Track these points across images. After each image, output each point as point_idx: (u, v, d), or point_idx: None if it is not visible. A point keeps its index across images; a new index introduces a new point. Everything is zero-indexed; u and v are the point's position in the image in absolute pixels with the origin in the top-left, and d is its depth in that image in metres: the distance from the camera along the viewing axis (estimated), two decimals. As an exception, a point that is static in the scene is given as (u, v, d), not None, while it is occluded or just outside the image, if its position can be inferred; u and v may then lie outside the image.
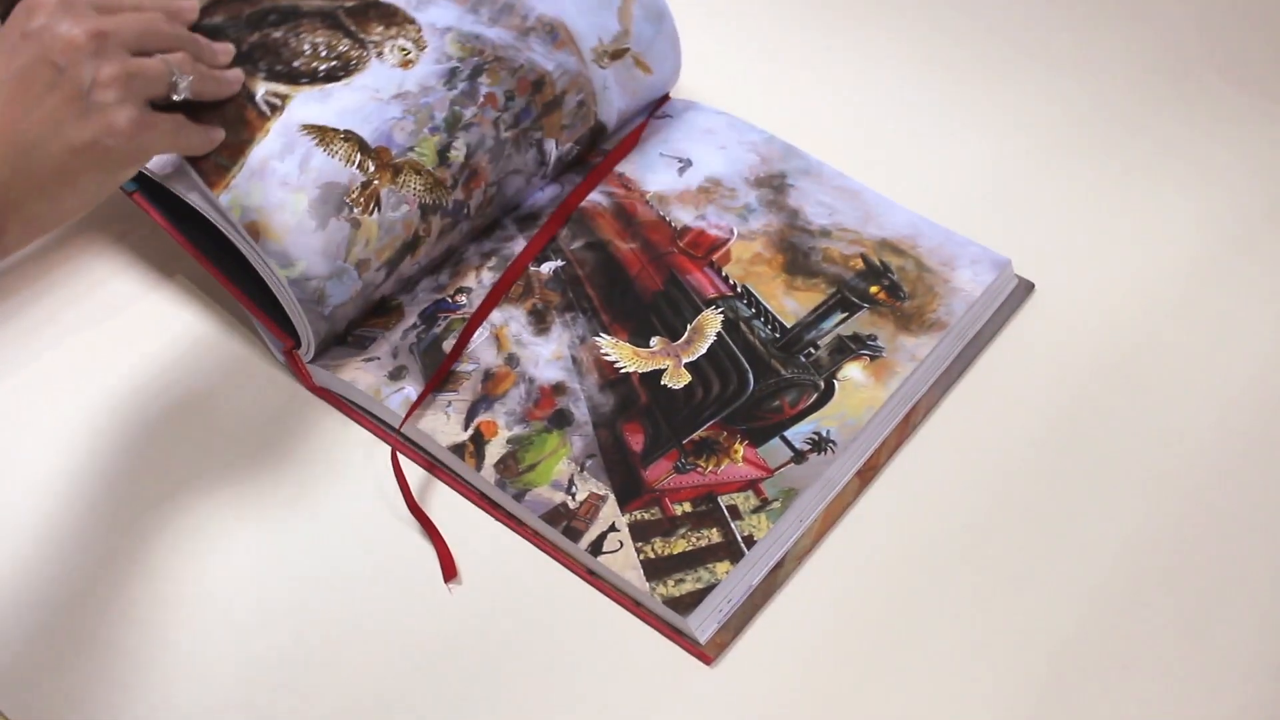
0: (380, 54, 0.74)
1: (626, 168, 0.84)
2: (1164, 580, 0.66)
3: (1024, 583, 0.66)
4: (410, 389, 0.72)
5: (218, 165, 0.69)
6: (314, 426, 0.72)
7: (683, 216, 0.81)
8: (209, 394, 0.73)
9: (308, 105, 0.72)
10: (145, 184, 0.72)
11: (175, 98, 0.65)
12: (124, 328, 0.75)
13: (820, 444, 0.70)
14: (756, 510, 0.67)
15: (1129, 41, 0.95)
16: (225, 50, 0.70)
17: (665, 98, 0.88)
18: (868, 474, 0.70)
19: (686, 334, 0.75)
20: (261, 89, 0.71)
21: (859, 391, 0.72)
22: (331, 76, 0.73)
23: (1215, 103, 0.90)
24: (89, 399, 0.72)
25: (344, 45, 0.74)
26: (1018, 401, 0.74)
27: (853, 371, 0.73)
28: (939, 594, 0.65)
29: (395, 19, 0.76)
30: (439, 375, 0.72)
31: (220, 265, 0.72)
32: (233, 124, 0.69)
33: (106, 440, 0.70)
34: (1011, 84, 0.92)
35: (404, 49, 0.74)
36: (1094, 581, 0.66)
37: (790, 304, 0.77)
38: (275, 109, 0.71)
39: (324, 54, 0.73)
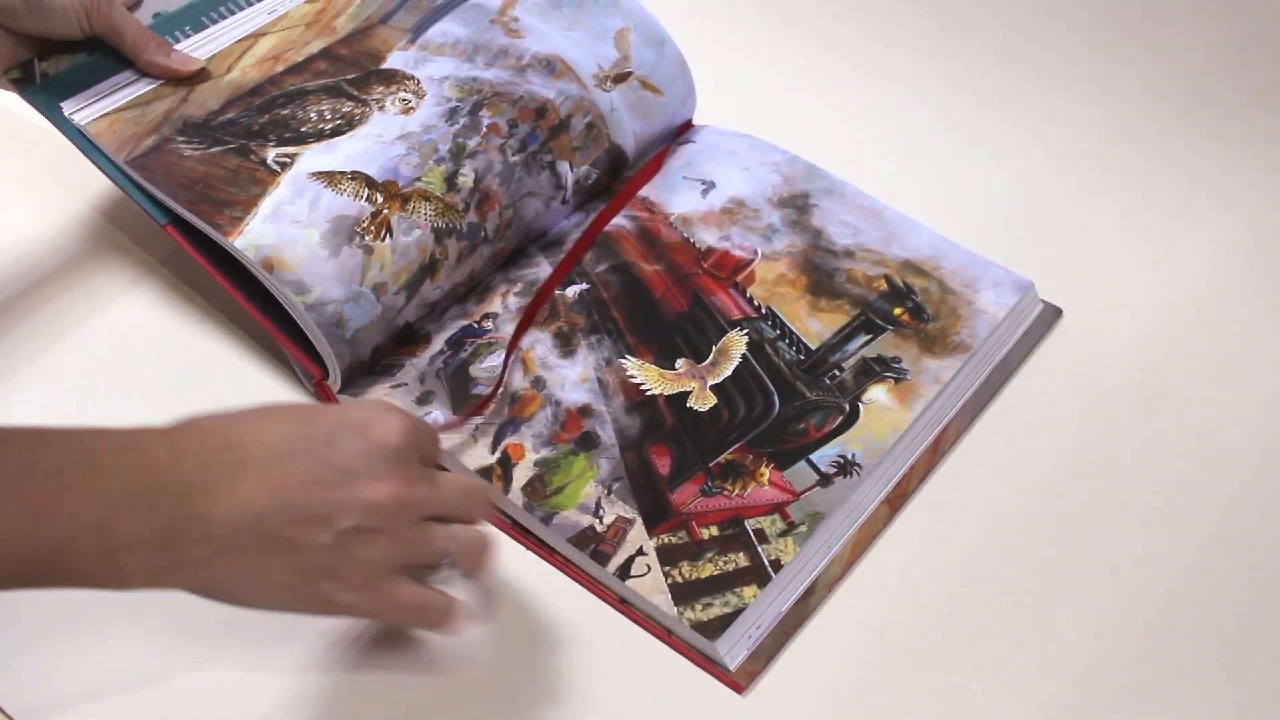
0: (382, 107, 0.78)
1: (650, 191, 0.84)
2: (1198, 605, 0.66)
3: (1057, 610, 0.66)
4: (437, 413, 0.72)
5: (232, 218, 0.72)
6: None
7: (706, 238, 0.81)
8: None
9: (315, 157, 0.75)
10: (178, 217, 0.73)
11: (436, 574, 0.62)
12: (155, 361, 0.76)
13: (845, 467, 0.70)
14: (783, 534, 0.68)
15: (1152, 66, 0.95)
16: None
17: (688, 125, 0.88)
18: (897, 501, 0.70)
19: (712, 356, 0.76)
20: (272, 153, 0.74)
21: (884, 414, 0.73)
22: (337, 133, 0.76)
23: (1239, 127, 0.91)
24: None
25: (347, 106, 0.77)
26: (1047, 427, 0.74)
27: (877, 394, 0.74)
28: (971, 622, 0.66)
29: (395, 78, 0.79)
30: (477, 410, 0.72)
31: (252, 299, 0.73)
32: (245, 183, 0.73)
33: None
34: (1035, 109, 0.92)
35: (404, 99, 0.78)
36: (1127, 608, 0.66)
37: (814, 325, 0.77)
38: (285, 166, 0.74)
39: (329, 117, 0.77)
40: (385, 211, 0.73)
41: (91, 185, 0.82)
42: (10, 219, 0.83)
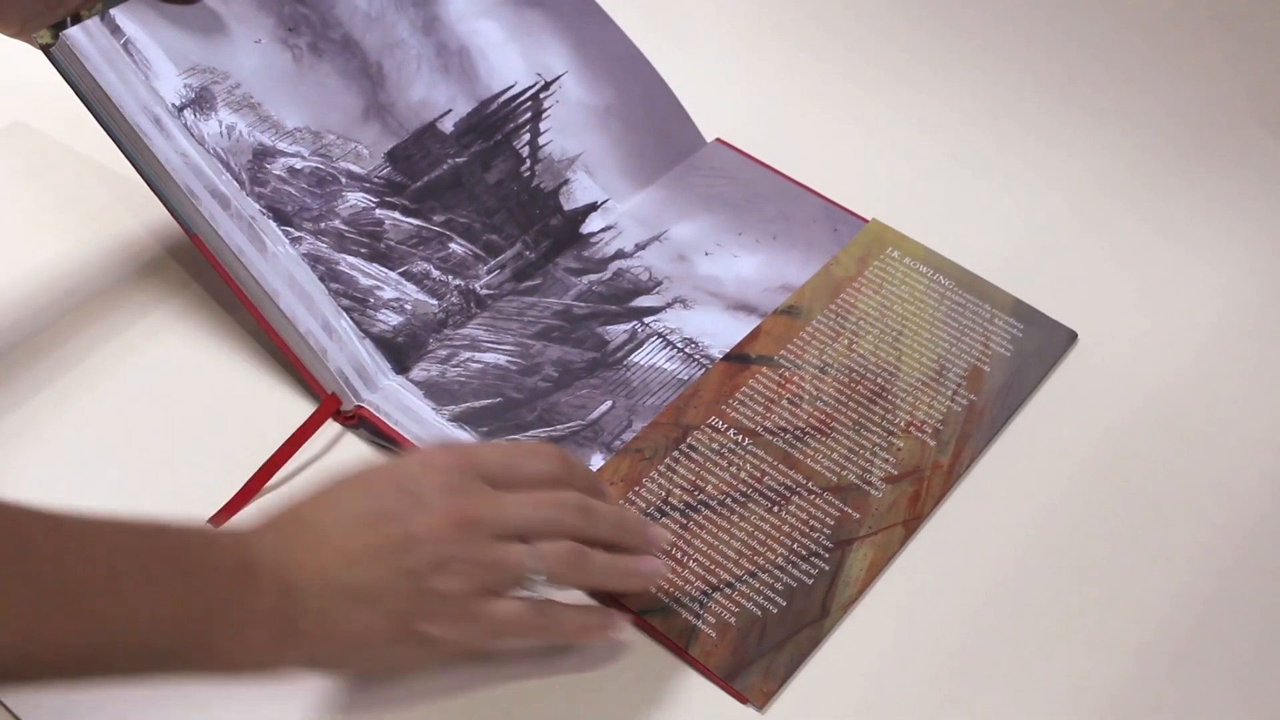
0: None
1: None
2: (1214, 635, 0.67)
3: (1071, 634, 0.66)
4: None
5: None
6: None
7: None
8: (263, 445, 0.72)
9: None
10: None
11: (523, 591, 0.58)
12: (175, 383, 0.75)
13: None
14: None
15: (1171, 94, 0.96)
16: (657, 537, 0.62)
17: (700, 142, 0.89)
18: (912, 524, 0.70)
19: None
20: None
21: (900, 436, 0.73)
22: None
23: (1258, 155, 0.91)
24: (148, 464, 0.71)
25: None
26: (1062, 452, 0.74)
27: (893, 415, 0.74)
28: (986, 645, 0.66)
29: None
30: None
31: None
32: None
33: (169, 502, 0.68)
34: (1051, 135, 0.93)
35: None
36: (1143, 636, 0.67)
37: (832, 346, 0.78)
38: None
39: None
40: None
41: (119, 205, 0.82)
42: (44, 239, 0.81)
